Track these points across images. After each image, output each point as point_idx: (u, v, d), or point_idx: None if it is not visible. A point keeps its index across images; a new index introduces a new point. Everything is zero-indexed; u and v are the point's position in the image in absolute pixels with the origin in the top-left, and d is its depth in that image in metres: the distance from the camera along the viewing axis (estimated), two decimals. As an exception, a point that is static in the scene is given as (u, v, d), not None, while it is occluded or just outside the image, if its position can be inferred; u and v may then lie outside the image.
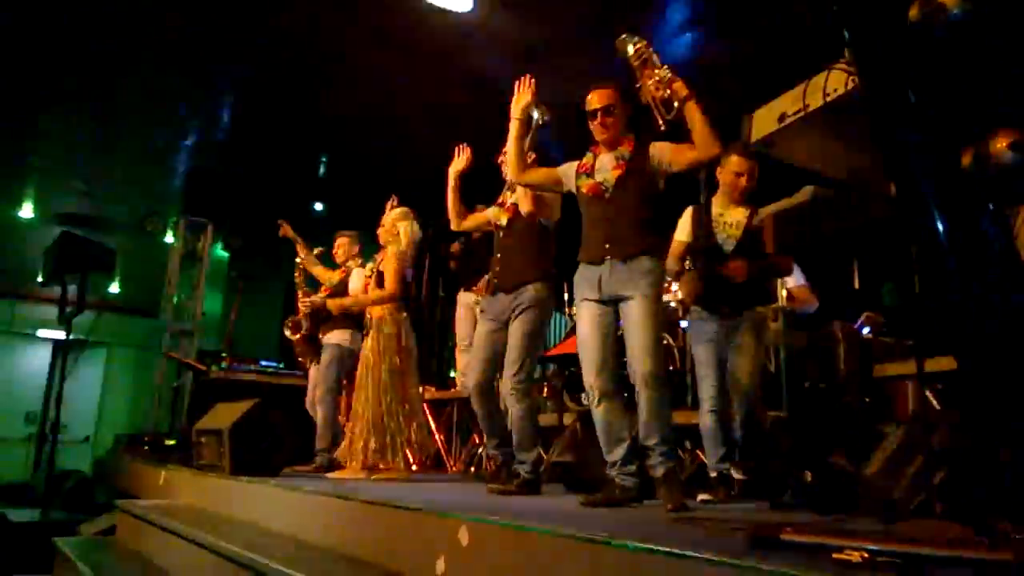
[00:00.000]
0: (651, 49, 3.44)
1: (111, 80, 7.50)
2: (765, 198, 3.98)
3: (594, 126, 3.73)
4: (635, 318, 3.47)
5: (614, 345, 3.62)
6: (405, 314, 5.35)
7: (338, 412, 5.98)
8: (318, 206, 10.79)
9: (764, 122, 2.35)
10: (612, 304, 3.57)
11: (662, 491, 3.36)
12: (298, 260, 6.48)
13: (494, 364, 4.35)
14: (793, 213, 2.59)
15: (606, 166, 3.70)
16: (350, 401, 5.91)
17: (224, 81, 7.65)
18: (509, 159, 3.96)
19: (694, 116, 3.35)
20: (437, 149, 5.00)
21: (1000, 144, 1.44)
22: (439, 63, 6.87)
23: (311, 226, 7.00)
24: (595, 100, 3.72)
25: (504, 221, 4.48)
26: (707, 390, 4.04)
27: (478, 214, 4.65)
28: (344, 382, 6.09)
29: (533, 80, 3.94)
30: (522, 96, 3.94)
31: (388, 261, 5.33)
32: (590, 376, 3.57)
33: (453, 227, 4.68)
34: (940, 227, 1.49)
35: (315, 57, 6.98)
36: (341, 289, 6.07)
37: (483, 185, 4.67)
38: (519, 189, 4.29)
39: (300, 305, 6.32)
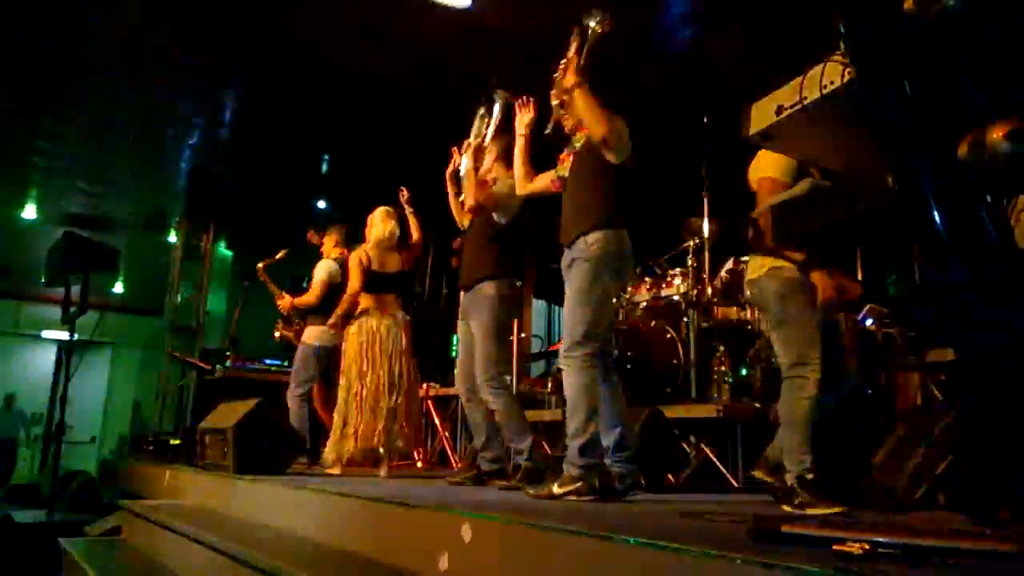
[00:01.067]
0: (581, 38, 3.47)
1: (113, 80, 7.49)
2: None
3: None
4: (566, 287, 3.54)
5: None
6: (380, 315, 5.37)
7: (305, 410, 6.06)
8: (321, 203, 10.79)
9: (762, 115, 2.34)
10: None
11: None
12: (259, 267, 6.52)
13: (472, 364, 4.44)
14: (792, 205, 2.58)
15: (567, 160, 3.78)
16: (323, 396, 6.16)
17: (226, 79, 7.64)
18: (516, 174, 4.05)
19: (578, 102, 3.46)
20: (439, 146, 5.02)
21: (996, 134, 1.43)
22: (439, 59, 6.86)
23: (315, 223, 7.01)
24: (552, 96, 3.80)
25: (466, 223, 4.58)
26: (817, 361, 3.21)
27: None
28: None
29: (532, 100, 4.00)
30: (525, 113, 3.98)
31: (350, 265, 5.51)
32: None
33: (462, 227, 4.76)
34: (937, 218, 1.48)
35: (316, 55, 6.97)
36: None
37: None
38: (468, 184, 4.34)
39: (279, 307, 6.39)
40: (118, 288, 13.47)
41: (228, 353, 7.85)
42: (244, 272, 7.92)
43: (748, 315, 5.43)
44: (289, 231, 7.63)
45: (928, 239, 1.52)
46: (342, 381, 5.22)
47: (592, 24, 3.43)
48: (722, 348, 5.30)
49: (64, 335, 6.54)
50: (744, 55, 5.78)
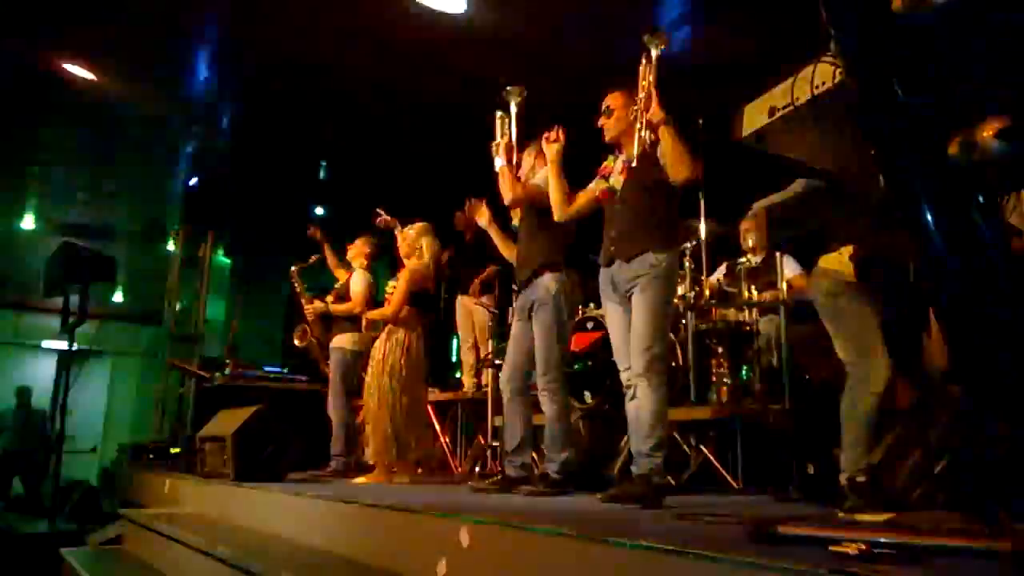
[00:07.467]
0: (653, 62, 3.40)
1: (111, 90, 7.50)
2: (757, 191, 3.97)
3: None
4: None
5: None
6: (419, 328, 5.41)
7: (353, 415, 6.00)
8: (319, 210, 10.79)
9: (754, 116, 2.35)
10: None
11: None
12: (293, 269, 6.51)
13: (525, 362, 4.33)
14: (786, 206, 2.59)
15: (614, 169, 3.86)
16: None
17: (224, 87, 7.65)
18: (554, 200, 3.97)
19: (666, 140, 3.38)
20: (435, 151, 5.03)
21: (987, 133, 1.43)
22: (436, 65, 6.88)
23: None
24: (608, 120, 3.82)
25: (516, 221, 4.59)
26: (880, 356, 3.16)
27: None
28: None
29: (561, 129, 3.99)
30: (554, 144, 3.96)
31: (400, 279, 5.40)
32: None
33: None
34: (929, 217, 1.49)
35: (314, 61, 6.98)
36: (343, 291, 6.10)
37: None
38: (503, 181, 4.32)
39: (305, 312, 6.35)
40: (117, 297, 13.46)
41: (227, 361, 7.83)
42: (242, 280, 7.91)
43: (746, 316, 5.42)
44: (287, 239, 7.63)
45: (921, 238, 1.52)
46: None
47: (654, 50, 3.40)
48: (721, 350, 5.28)
49: (63, 345, 6.55)
50: (737, 56, 5.79)
